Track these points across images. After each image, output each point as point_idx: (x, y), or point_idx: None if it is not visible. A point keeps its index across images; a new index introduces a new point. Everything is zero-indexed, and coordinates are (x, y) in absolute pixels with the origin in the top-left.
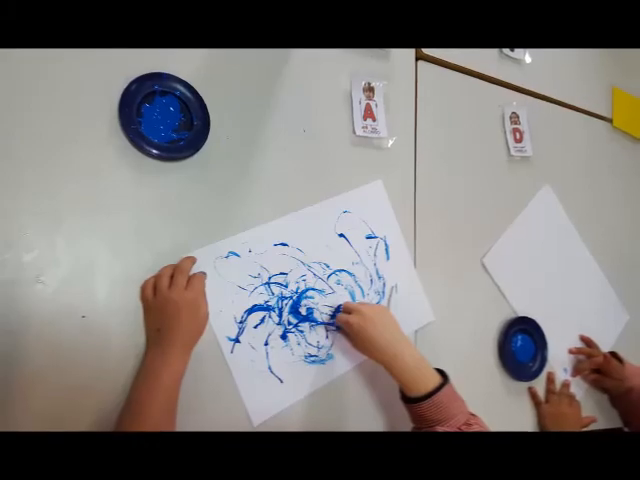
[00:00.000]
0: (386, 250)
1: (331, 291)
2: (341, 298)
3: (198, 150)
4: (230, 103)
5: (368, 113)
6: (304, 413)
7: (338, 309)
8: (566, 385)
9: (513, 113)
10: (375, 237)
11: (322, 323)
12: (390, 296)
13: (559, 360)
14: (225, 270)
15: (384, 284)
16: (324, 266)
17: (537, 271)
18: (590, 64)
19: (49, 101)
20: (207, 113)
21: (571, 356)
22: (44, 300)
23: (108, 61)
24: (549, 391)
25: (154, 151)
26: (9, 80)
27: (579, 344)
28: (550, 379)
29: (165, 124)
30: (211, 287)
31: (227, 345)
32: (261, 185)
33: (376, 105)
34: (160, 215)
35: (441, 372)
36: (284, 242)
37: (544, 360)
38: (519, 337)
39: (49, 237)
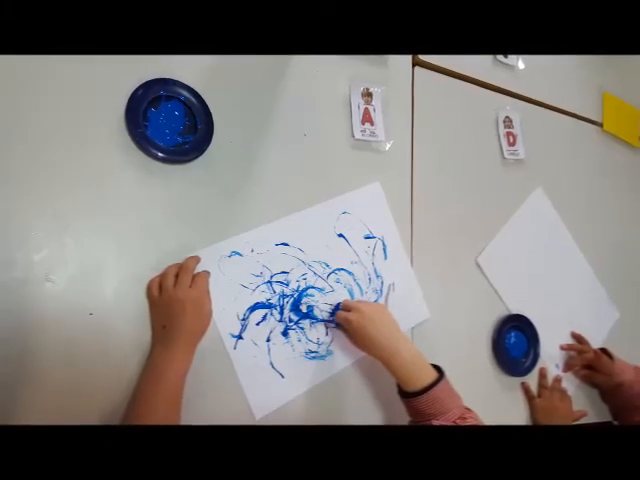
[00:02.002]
0: (384, 250)
1: (331, 289)
2: (340, 296)
3: (202, 153)
4: (233, 108)
5: (366, 117)
6: (304, 407)
7: (337, 307)
8: (558, 380)
9: (506, 117)
10: (373, 237)
11: (322, 320)
12: (388, 294)
13: (551, 356)
14: (228, 269)
15: (382, 283)
16: (324, 265)
17: (530, 270)
18: (581, 70)
19: (58, 105)
20: (211, 117)
21: (563, 352)
22: (53, 298)
23: (115, 66)
24: (541, 386)
25: (159, 154)
26: (15, 82)
27: (570, 341)
28: (542, 374)
29: (170, 128)
30: (215, 285)
31: (230, 342)
32: (263, 187)
33: (374, 109)
34: (165, 216)
35: (437, 368)
36: (285, 242)
37: (536, 356)
38: (512, 334)
39: (58, 237)
